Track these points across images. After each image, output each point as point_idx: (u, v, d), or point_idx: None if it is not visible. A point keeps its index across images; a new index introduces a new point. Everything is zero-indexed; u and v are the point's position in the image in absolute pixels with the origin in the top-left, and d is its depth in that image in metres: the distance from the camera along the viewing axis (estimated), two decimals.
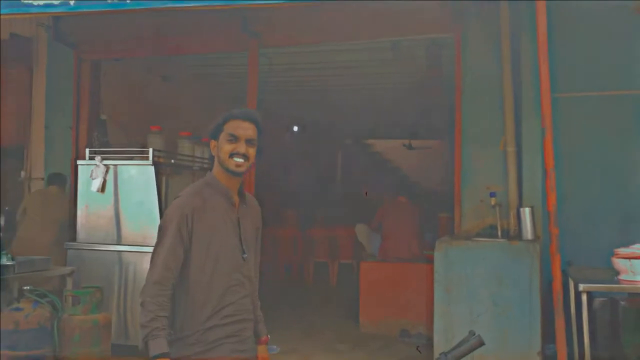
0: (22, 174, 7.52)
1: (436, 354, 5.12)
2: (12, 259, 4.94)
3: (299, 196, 12.59)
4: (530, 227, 5.21)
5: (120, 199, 5.90)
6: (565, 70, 5.57)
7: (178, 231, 2.38)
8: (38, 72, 7.62)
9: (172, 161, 6.22)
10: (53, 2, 4.57)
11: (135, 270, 5.73)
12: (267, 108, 10.30)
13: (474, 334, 2.08)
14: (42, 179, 7.36)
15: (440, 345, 5.12)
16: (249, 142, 2.49)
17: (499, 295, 4.90)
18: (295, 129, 13.31)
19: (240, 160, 2.48)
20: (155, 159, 5.84)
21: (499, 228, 5.50)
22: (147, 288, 2.38)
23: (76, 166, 6.33)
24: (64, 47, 7.38)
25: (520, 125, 5.76)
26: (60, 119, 7.33)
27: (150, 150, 5.83)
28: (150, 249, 5.10)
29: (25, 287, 4.82)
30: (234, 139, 2.48)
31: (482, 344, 2.07)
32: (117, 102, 7.79)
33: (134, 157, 5.95)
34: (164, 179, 6.02)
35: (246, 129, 2.50)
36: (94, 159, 5.98)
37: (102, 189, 5.91)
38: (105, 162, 5.95)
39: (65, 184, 6.89)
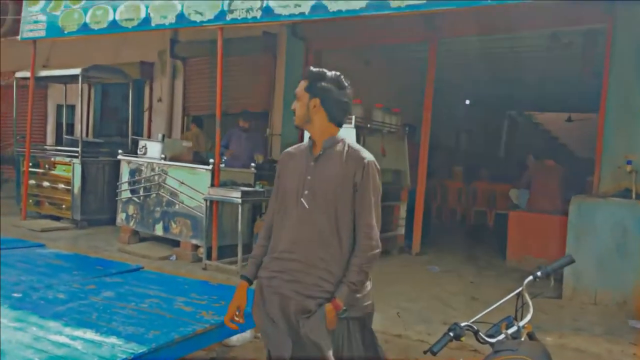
0: (267, 130, 8.60)
1: (565, 290, 5.17)
2: (263, 187, 5.88)
3: (466, 156, 12.52)
4: None
5: None
6: None
7: (276, 175, 2.37)
8: (279, 58, 8.48)
9: (368, 125, 6.63)
10: (294, 11, 5.32)
11: None
12: (444, 85, 10.37)
13: (570, 256, 2.32)
14: (280, 134, 8.37)
15: (568, 280, 5.14)
16: (295, 97, 2.28)
17: (622, 244, 4.77)
18: (467, 102, 13.11)
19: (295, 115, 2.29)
20: (356, 123, 6.32)
21: (633, 191, 5.25)
22: None
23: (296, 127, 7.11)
24: (298, 41, 8.20)
25: None
26: (293, 92, 8.17)
27: (353, 117, 6.24)
28: None
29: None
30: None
31: (572, 261, 2.29)
32: None
33: None
34: (362, 138, 6.38)
35: (299, 87, 2.28)
36: None
37: None
38: None
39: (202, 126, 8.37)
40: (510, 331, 2.14)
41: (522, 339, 2.16)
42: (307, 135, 2.38)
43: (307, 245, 2.19)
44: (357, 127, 6.28)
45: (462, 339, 2.11)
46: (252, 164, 6.49)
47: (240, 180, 6.21)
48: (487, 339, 2.12)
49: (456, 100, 12.84)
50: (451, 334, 2.09)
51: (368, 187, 2.19)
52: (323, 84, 2.25)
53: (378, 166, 2.26)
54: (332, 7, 5.06)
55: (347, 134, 6.07)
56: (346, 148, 2.24)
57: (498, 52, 8.52)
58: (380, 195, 2.27)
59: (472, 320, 2.17)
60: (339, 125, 2.30)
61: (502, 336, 2.11)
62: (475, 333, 2.12)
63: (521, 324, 2.19)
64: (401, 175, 7.17)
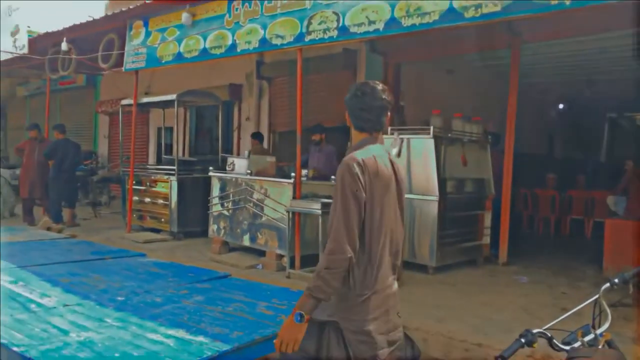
0: (348, 144, 8.69)
1: None
2: None
3: (561, 162, 11.90)
4: None
5: (412, 162, 6.35)
6: None
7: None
8: (359, 74, 8.62)
9: (448, 135, 6.61)
10: (369, 29, 5.46)
11: (420, 211, 6.20)
12: (532, 91, 10.00)
13: None
14: None
15: None
16: None
17: None
18: (561, 106, 12.47)
19: None
20: (435, 134, 6.33)
21: None
22: None
23: None
24: (376, 55, 8.33)
25: None
26: None
27: (431, 127, 6.29)
28: (430, 198, 5.63)
29: None
30: None
31: None
32: (411, 93, 8.51)
33: (420, 132, 6.48)
34: (442, 148, 6.36)
35: None
36: (394, 134, 6.74)
37: (399, 154, 6.62)
38: (401, 135, 6.63)
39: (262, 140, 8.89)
40: (586, 339, 2.09)
41: (600, 347, 2.10)
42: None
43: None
44: (435, 137, 6.28)
45: (535, 345, 2.05)
46: (332, 177, 6.65)
47: (322, 192, 6.38)
48: (562, 346, 2.08)
49: (547, 106, 12.28)
50: (522, 340, 2.03)
51: (336, 188, 2.16)
52: (347, 97, 2.34)
53: (352, 167, 2.13)
54: (406, 22, 5.13)
55: (425, 144, 6.20)
56: None
57: (588, 54, 8.10)
58: (351, 195, 2.12)
59: (545, 327, 2.12)
60: (370, 132, 2.30)
61: (577, 343, 2.07)
62: (549, 340, 2.07)
63: (598, 332, 2.13)
64: (484, 184, 7.01)
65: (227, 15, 6.86)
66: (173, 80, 9.94)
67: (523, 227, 9.26)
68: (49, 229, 8.28)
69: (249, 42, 6.60)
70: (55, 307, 3.56)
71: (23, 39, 9.95)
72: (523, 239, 7.91)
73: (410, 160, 6.44)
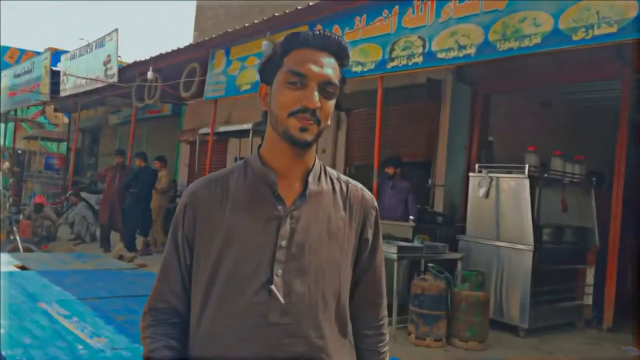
0: (429, 181, 8.16)
1: None
2: (422, 243, 5.45)
3: None
4: None
5: (501, 204, 5.82)
6: None
7: (174, 233, 1.25)
8: (444, 105, 8.07)
9: (545, 175, 5.90)
10: (458, 54, 4.95)
11: (509, 262, 5.58)
12: None
13: None
14: (443, 185, 7.87)
15: None
16: (324, 88, 1.17)
17: None
18: None
19: (308, 120, 1.16)
20: (530, 173, 5.67)
21: None
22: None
23: (468, 177, 6.61)
24: (464, 86, 7.75)
25: None
26: (458, 140, 7.73)
27: (527, 166, 5.68)
28: (522, 247, 4.89)
29: (429, 264, 5.25)
30: (299, 81, 1.15)
31: None
32: (502, 127, 7.80)
33: (512, 171, 5.89)
34: (537, 190, 5.71)
35: (322, 66, 1.17)
36: (481, 172, 6.14)
37: (487, 195, 6.01)
38: (490, 174, 6.03)
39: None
40: None
41: None
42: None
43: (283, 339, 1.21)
44: (530, 177, 5.61)
45: None
46: (411, 217, 6.10)
47: (398, 234, 5.87)
48: None
49: None
50: None
51: (380, 243, 1.35)
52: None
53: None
54: (502, 46, 4.57)
55: (519, 185, 5.52)
56: (329, 181, 1.28)
57: None
58: None
59: None
60: None
61: None
62: None
63: None
64: (587, 234, 6.13)
65: None
66: (253, 109, 9.86)
67: (629, 286, 8.09)
68: (121, 257, 8.29)
69: None
70: (102, 350, 3.27)
71: (114, 68, 10.36)
72: (630, 301, 6.85)
73: (500, 202, 5.81)
